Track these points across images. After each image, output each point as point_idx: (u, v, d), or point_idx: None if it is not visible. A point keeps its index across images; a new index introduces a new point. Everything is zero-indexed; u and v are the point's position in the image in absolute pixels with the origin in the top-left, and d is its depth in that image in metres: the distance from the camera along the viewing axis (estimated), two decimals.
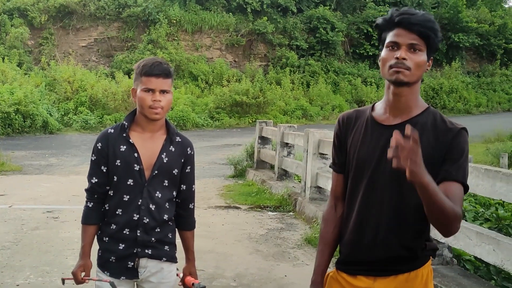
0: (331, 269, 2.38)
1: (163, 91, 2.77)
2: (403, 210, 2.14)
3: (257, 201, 9.89)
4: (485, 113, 33.94)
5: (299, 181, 10.30)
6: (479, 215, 7.78)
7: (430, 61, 2.18)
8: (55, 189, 10.91)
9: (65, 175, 12.75)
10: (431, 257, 2.22)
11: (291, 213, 9.17)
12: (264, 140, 12.90)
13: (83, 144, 18.09)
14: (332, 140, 7.96)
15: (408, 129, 1.85)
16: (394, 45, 2.13)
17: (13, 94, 20.56)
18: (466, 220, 6.04)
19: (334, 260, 2.41)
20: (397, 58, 2.10)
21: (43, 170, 13.69)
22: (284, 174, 11.22)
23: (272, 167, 12.15)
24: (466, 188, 2.09)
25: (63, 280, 2.95)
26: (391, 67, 2.12)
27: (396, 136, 1.86)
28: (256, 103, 25.96)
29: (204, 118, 25.12)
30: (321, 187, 8.82)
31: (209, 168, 13.71)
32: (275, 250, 6.94)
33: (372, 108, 2.29)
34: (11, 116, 19.97)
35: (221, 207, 9.59)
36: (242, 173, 13.20)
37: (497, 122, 25.37)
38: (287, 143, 11.13)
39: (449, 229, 2.02)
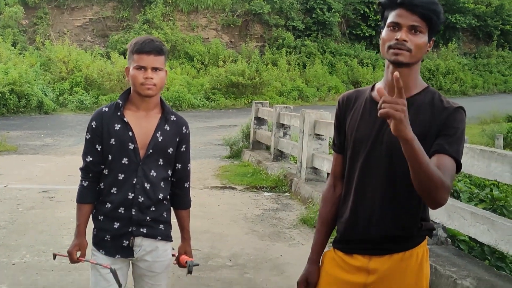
0: (329, 248, 2.38)
1: (155, 69, 2.75)
2: (398, 189, 2.14)
3: (253, 182, 9.91)
4: (481, 95, 33.96)
5: (295, 162, 10.31)
6: (474, 196, 7.82)
7: (431, 42, 2.16)
8: (51, 169, 10.90)
9: (61, 155, 12.73)
10: (427, 236, 2.22)
11: (286, 193, 9.19)
12: (260, 121, 12.88)
13: (79, 124, 18.04)
14: (328, 121, 7.94)
15: (396, 77, 1.86)
16: (395, 26, 2.11)
17: (7, 74, 20.45)
18: (461, 201, 6.06)
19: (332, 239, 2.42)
20: (397, 39, 2.08)
21: (38, 150, 13.67)
22: (280, 155, 11.22)
23: (268, 148, 12.15)
24: (459, 165, 2.08)
25: (54, 255, 2.96)
26: (390, 47, 2.10)
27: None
28: (252, 84, 25.88)
29: (200, 99, 25.06)
30: (316, 168, 8.83)
31: (205, 149, 13.71)
32: (271, 230, 6.96)
33: (372, 88, 2.28)
34: (6, 96, 19.89)
35: (217, 187, 9.60)
36: (238, 154, 13.20)
37: (492, 103, 25.40)
38: (283, 124, 11.12)
39: (434, 198, 1.99)
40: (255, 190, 9.47)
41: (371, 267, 2.17)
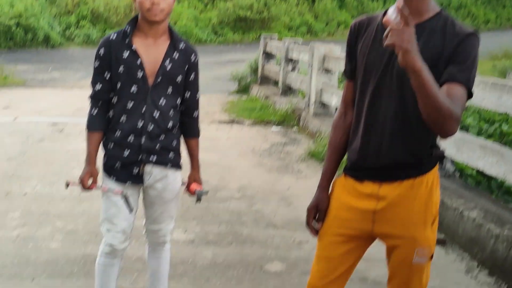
0: (339, 175, 2.38)
1: None
2: (408, 116, 2.11)
3: (261, 116, 9.90)
4: (493, 30, 33.32)
5: (303, 97, 10.26)
6: (483, 131, 7.82)
7: None
8: (59, 102, 10.92)
9: (69, 89, 12.73)
10: (437, 163, 2.21)
11: (294, 128, 9.20)
12: (268, 55, 12.76)
13: (86, 58, 17.90)
14: (337, 55, 7.83)
15: (401, 9, 1.81)
16: None
17: (13, 6, 20.21)
18: None
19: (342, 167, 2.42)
20: None
21: (46, 84, 13.67)
22: (288, 90, 11.17)
23: (276, 82, 12.08)
24: (470, 93, 2.05)
25: (67, 184, 2.97)
26: None
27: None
28: (260, 18, 25.48)
29: (207, 34, 24.74)
30: (325, 103, 8.80)
31: (213, 84, 13.64)
32: (279, 164, 7.01)
33: (385, 14, 2.22)
34: (12, 29, 19.73)
35: (225, 122, 9.62)
36: (246, 88, 13.16)
37: (505, 39, 24.96)
38: (291, 59, 11.01)
39: (442, 128, 1.97)
40: (263, 124, 9.49)
41: (381, 194, 2.17)
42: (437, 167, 2.20)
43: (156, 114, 2.80)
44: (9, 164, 6.36)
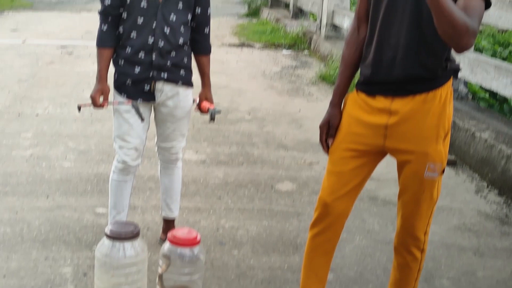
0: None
1: None
2: (422, 29, 2.07)
3: (272, 40, 9.78)
4: None
5: (315, 20, 10.10)
6: (497, 54, 7.71)
7: None
8: (68, 25, 10.81)
9: (77, 12, 12.57)
10: (452, 77, 2.17)
11: (305, 51, 9.09)
12: None
13: None
14: None
15: None
16: None
17: None
18: None
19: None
20: None
21: (54, 7, 13.49)
22: (299, 12, 10.98)
23: (287, 5, 11.86)
24: (488, 3, 1.99)
25: (79, 107, 2.95)
26: None
27: None
28: None
29: None
30: (336, 26, 8.65)
31: (223, 7, 13.43)
32: (290, 87, 6.97)
33: None
34: None
35: (235, 45, 9.52)
36: (256, 12, 12.94)
37: None
38: None
39: (458, 43, 1.92)
40: (274, 47, 9.39)
41: (393, 108, 2.15)
42: (451, 81, 2.17)
43: (167, 30, 2.75)
44: (20, 86, 6.36)
